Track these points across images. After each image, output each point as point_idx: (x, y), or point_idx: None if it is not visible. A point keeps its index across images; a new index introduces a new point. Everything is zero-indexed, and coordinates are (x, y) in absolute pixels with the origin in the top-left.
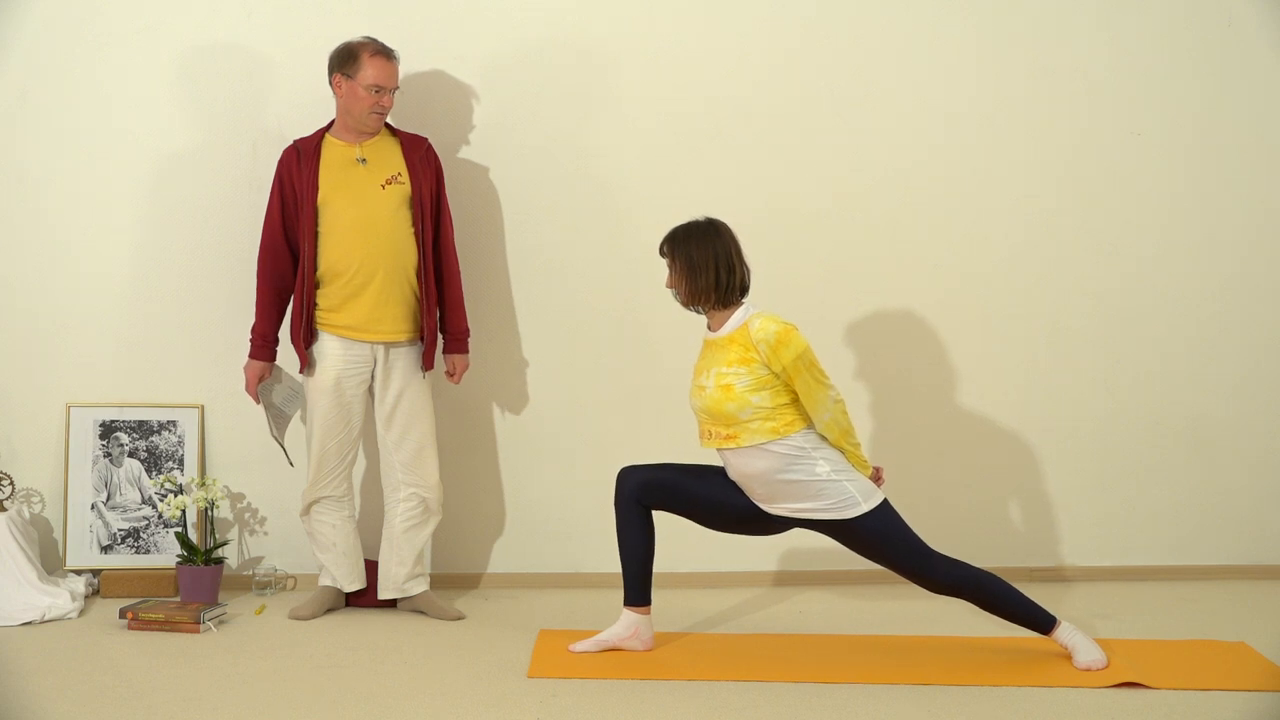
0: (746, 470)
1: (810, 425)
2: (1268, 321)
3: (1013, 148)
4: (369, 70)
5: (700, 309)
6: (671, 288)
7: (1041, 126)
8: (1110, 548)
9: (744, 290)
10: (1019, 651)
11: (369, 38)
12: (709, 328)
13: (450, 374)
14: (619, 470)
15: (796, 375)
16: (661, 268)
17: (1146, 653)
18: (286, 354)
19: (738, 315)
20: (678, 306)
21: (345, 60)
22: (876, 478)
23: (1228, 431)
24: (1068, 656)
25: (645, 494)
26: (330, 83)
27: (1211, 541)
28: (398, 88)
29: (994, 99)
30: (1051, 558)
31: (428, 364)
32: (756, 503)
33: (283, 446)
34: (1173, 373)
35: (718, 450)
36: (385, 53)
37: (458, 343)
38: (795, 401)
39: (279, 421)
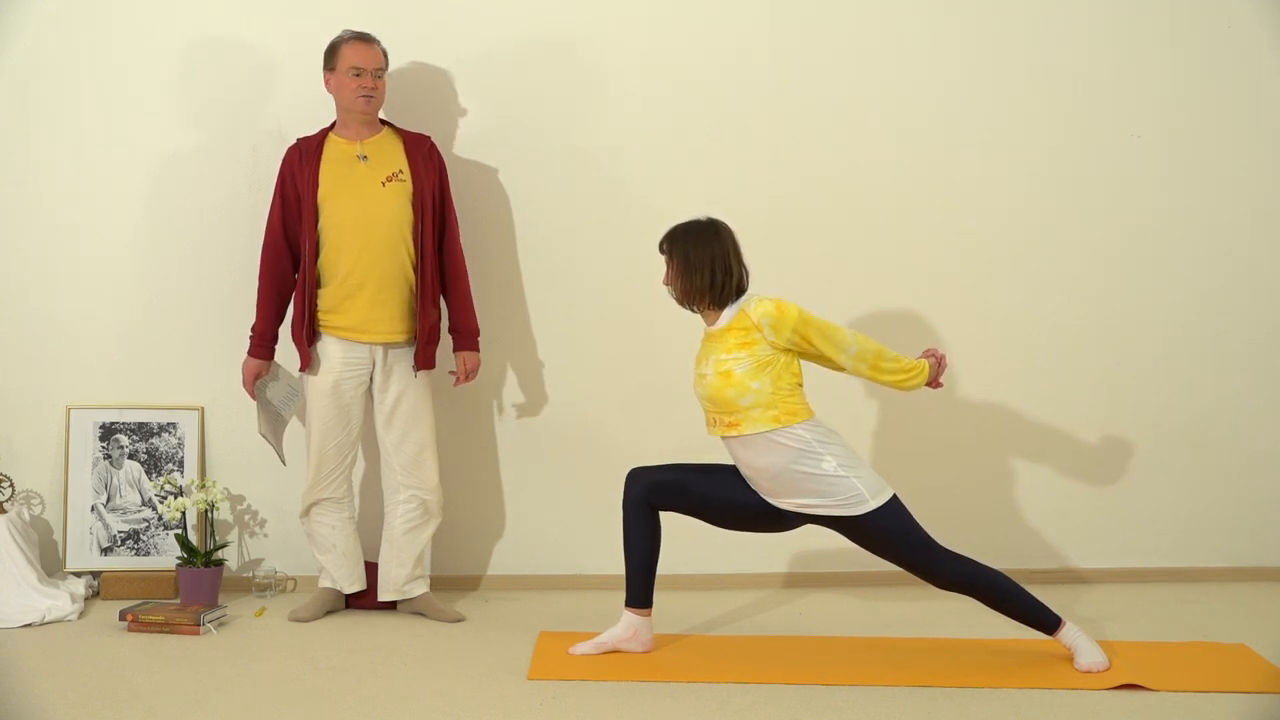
0: (755, 463)
1: (813, 417)
2: (1267, 322)
3: (1012, 149)
4: (346, 54)
5: (694, 308)
6: (667, 285)
7: (1041, 128)
8: (1110, 549)
9: (740, 293)
10: (1020, 653)
11: (346, 29)
12: (706, 323)
13: (455, 373)
14: (628, 472)
15: (809, 332)
16: (663, 267)
17: (1146, 654)
18: (288, 352)
19: (733, 307)
20: (679, 306)
21: (328, 56)
22: (936, 360)
23: (1228, 431)
24: (1069, 658)
25: (655, 495)
26: (324, 84)
27: (1211, 542)
28: (382, 69)
29: (994, 100)
30: (1051, 559)
31: (425, 364)
32: (765, 497)
33: (270, 443)
34: (1173, 373)
35: (723, 439)
36: (361, 37)
37: (468, 340)
38: (796, 390)
39: (274, 422)
